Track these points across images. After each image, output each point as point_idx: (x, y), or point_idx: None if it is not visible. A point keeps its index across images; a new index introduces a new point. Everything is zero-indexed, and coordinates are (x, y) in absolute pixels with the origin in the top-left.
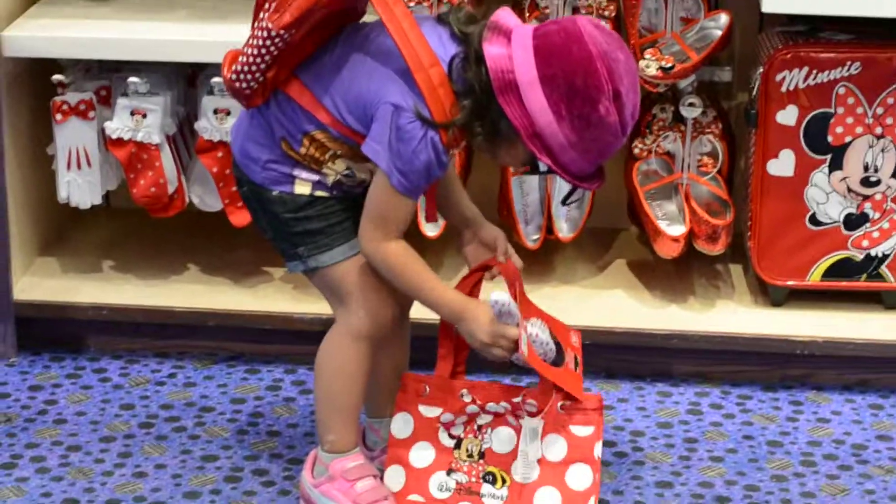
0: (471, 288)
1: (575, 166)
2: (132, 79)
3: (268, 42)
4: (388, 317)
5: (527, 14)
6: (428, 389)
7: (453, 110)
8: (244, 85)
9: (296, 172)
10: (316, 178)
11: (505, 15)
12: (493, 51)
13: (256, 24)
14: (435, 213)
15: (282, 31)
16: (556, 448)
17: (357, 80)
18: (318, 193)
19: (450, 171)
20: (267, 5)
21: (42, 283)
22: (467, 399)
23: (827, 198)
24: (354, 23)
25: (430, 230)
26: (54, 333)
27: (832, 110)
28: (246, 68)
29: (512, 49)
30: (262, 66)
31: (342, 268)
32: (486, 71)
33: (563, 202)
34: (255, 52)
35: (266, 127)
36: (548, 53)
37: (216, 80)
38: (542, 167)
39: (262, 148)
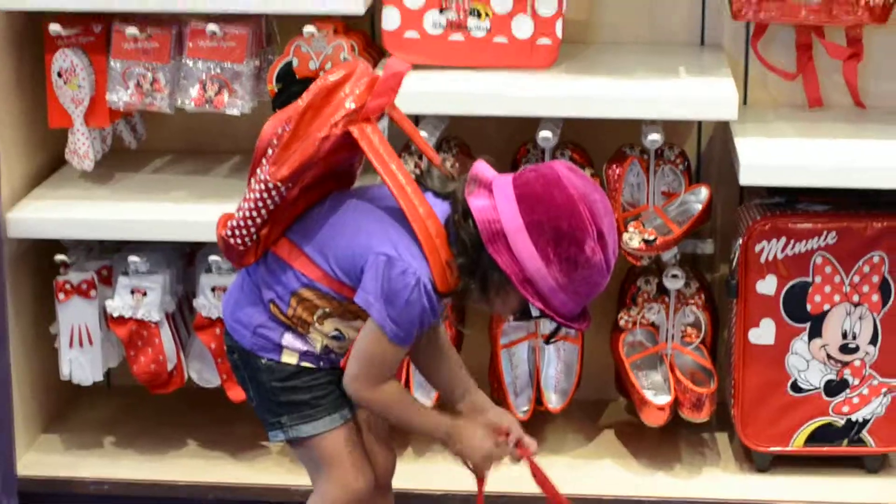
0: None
1: (565, 308)
2: (132, 258)
3: (265, 195)
4: (361, 489)
5: None
6: None
7: (451, 264)
8: (238, 241)
9: (284, 342)
10: (304, 348)
11: (482, 167)
12: (477, 203)
13: (254, 179)
14: None
15: (279, 184)
16: None
17: (347, 234)
18: (305, 364)
19: (443, 340)
20: (264, 161)
21: (45, 460)
22: None
23: (807, 365)
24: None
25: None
26: None
27: (810, 279)
28: (242, 223)
29: (495, 200)
30: (258, 220)
31: (321, 439)
32: (474, 223)
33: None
34: (252, 205)
35: (256, 291)
36: (531, 200)
37: (214, 258)
38: (535, 311)
39: (253, 313)
